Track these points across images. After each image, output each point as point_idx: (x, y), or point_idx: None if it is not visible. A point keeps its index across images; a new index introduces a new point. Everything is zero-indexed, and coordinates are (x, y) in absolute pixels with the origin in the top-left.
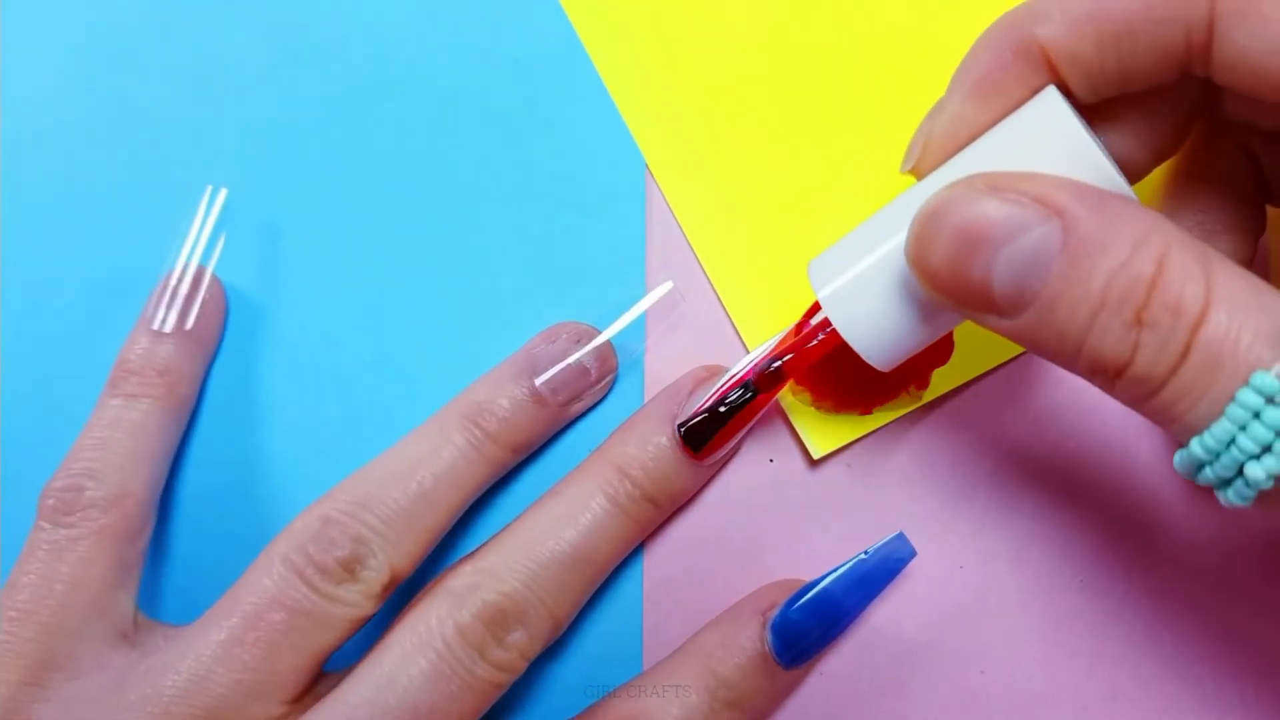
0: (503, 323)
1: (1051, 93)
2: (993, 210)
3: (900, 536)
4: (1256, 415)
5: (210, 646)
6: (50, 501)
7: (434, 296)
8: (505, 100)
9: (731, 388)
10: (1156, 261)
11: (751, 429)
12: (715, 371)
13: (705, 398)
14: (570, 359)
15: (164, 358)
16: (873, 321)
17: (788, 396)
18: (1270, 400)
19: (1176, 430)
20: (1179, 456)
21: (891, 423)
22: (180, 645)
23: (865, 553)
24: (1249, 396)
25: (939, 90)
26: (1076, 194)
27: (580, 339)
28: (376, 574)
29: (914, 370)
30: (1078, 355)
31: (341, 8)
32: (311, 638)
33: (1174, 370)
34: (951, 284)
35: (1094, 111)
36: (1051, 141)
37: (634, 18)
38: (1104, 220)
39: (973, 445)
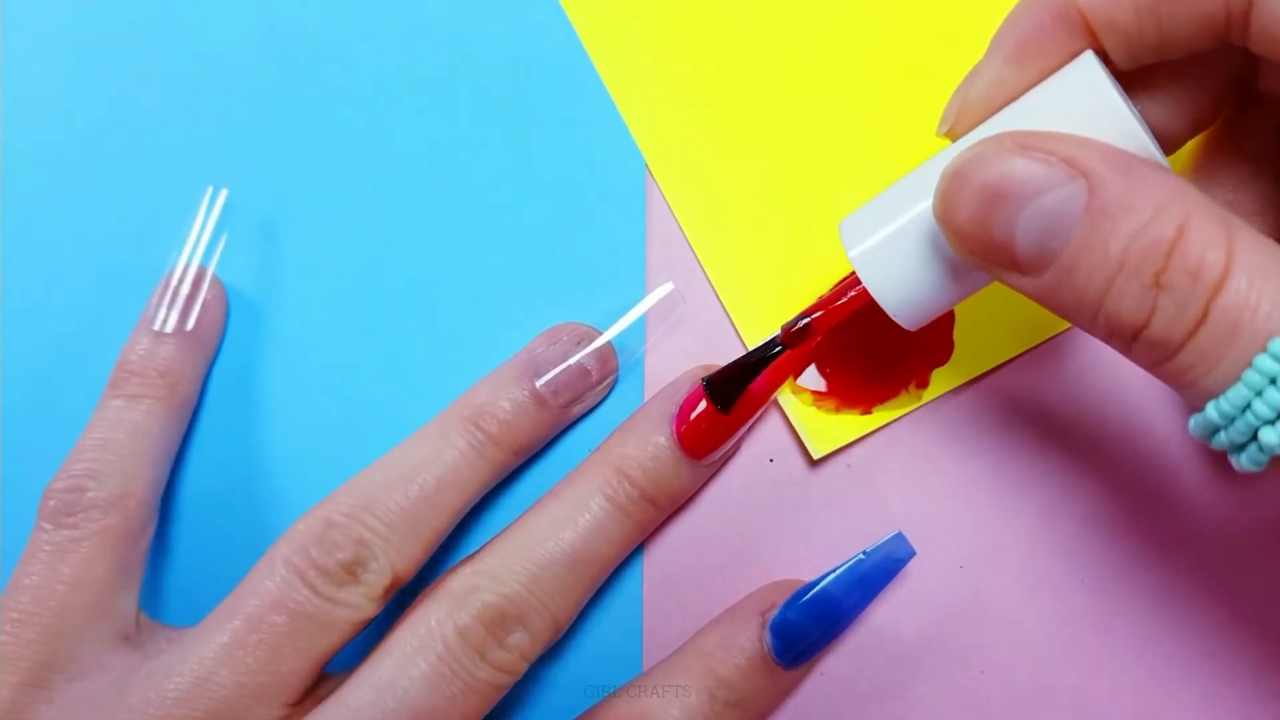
0: (503, 323)
1: (1088, 58)
2: (1019, 168)
3: (899, 536)
4: (1273, 381)
5: (213, 649)
6: (52, 503)
7: (434, 297)
8: (505, 100)
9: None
10: (1178, 225)
11: (752, 427)
12: (713, 370)
13: (732, 360)
14: (571, 360)
15: (165, 358)
16: (901, 280)
17: (788, 396)
18: None
19: (1191, 395)
20: (1194, 421)
21: (891, 423)
22: (183, 648)
23: (864, 553)
24: (1266, 363)
25: (938, 90)
26: (1104, 156)
27: (581, 340)
28: (378, 576)
29: (914, 370)
30: (1096, 316)
31: (341, 8)
32: (314, 640)
33: (1191, 334)
34: (976, 241)
35: (1131, 79)
36: (1085, 106)
37: (634, 18)
38: (1129, 183)
39: (973, 445)
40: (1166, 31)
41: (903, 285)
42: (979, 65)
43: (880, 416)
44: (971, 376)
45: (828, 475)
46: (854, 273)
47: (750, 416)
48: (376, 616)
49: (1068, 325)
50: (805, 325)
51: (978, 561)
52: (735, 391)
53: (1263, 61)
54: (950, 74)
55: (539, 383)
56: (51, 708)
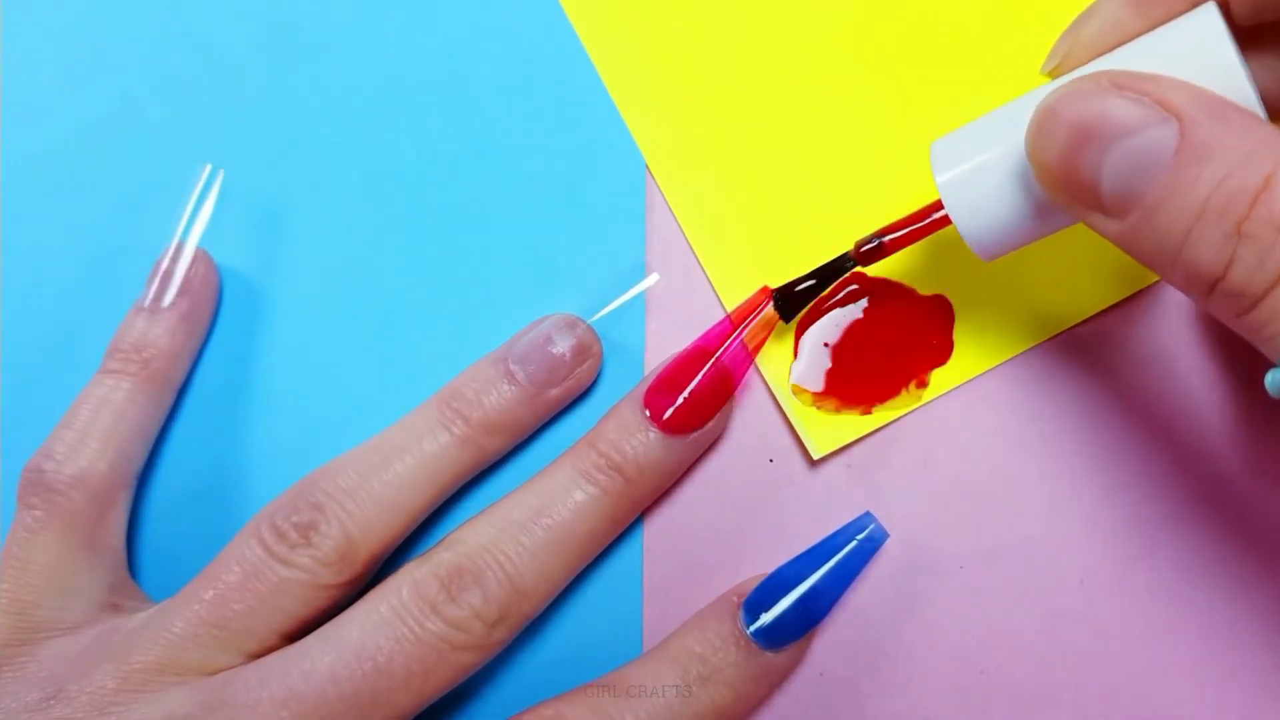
0: (502, 323)
1: (1209, 9)
2: (1111, 106)
3: (876, 524)
4: None
5: (174, 604)
6: (23, 484)
7: (435, 298)
8: (505, 100)
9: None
10: (1265, 175)
11: (729, 408)
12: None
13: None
14: (542, 340)
15: (147, 336)
16: (985, 211)
17: (788, 396)
18: None
19: (1269, 349)
20: (1271, 376)
21: (891, 423)
22: (156, 608)
23: (836, 532)
24: None
25: (937, 90)
26: (1198, 99)
27: (560, 325)
28: (331, 541)
29: (914, 370)
30: (1175, 264)
31: (345, 6)
32: (265, 600)
33: (1270, 288)
34: (1063, 179)
35: (1250, 36)
36: (1199, 56)
37: (634, 18)
38: (1220, 128)
39: (973, 445)
40: None
41: (985, 216)
42: (1094, 5)
43: (880, 416)
44: (971, 376)
45: (828, 475)
46: (937, 199)
47: (721, 395)
48: (334, 585)
49: (1068, 325)
50: (878, 244)
51: (978, 561)
52: (801, 302)
53: None
54: (949, 74)
55: (510, 361)
56: (34, 661)
